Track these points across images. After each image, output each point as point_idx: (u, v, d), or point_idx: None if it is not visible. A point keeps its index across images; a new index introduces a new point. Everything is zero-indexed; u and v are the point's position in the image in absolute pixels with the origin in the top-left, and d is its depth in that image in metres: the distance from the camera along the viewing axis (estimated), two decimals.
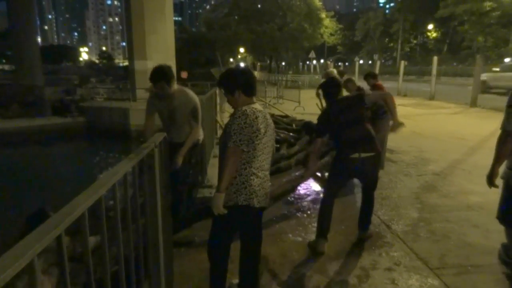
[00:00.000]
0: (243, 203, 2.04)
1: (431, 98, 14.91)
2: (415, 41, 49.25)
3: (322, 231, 3.07)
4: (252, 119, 2.00)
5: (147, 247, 1.84)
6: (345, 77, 9.03)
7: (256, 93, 2.16)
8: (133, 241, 1.64)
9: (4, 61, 60.10)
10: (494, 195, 4.26)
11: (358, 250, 3.11)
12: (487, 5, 31.55)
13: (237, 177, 2.03)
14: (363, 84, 5.81)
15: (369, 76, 5.84)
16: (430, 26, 44.81)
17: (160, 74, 3.18)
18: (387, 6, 57.80)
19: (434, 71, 15.18)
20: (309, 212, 3.96)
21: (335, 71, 13.08)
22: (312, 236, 3.26)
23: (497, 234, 3.28)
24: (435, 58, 15.18)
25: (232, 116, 2.07)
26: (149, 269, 1.87)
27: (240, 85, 2.10)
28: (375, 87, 5.59)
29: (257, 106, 2.12)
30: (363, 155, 2.82)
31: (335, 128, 2.93)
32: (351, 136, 2.86)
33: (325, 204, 3.09)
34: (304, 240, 3.28)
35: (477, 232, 3.36)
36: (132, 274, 1.51)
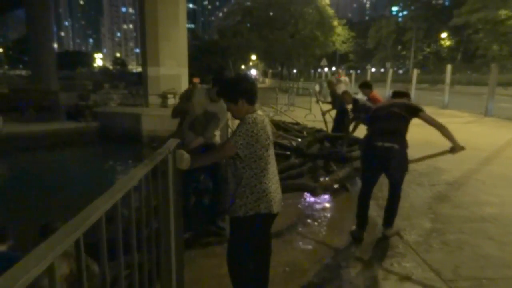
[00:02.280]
0: (264, 211, 2.03)
1: (445, 107, 14.73)
2: (428, 49, 48.67)
3: (359, 221, 3.40)
4: (260, 128, 1.98)
5: (159, 252, 1.86)
6: (343, 87, 9.06)
7: (257, 100, 2.12)
8: (146, 245, 1.66)
9: (21, 66, 61.59)
10: (510, 207, 4.20)
11: (369, 259, 3.08)
12: (503, 13, 31.08)
13: (257, 185, 2.01)
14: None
15: (365, 86, 5.66)
16: (444, 35, 44.29)
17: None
18: (400, 14, 57.33)
19: (447, 80, 15.01)
20: (320, 220, 3.93)
21: (347, 79, 13.10)
22: (322, 244, 3.34)
23: None
24: (449, 67, 14.98)
25: (242, 121, 2.03)
26: (161, 273, 1.88)
27: (243, 93, 2.02)
28: (371, 98, 5.39)
29: (260, 112, 2.10)
30: (386, 144, 3.18)
31: (373, 118, 3.44)
32: (380, 126, 3.28)
33: (360, 196, 3.43)
34: (314, 248, 3.26)
35: (491, 244, 3.30)
36: (145, 278, 1.53)
